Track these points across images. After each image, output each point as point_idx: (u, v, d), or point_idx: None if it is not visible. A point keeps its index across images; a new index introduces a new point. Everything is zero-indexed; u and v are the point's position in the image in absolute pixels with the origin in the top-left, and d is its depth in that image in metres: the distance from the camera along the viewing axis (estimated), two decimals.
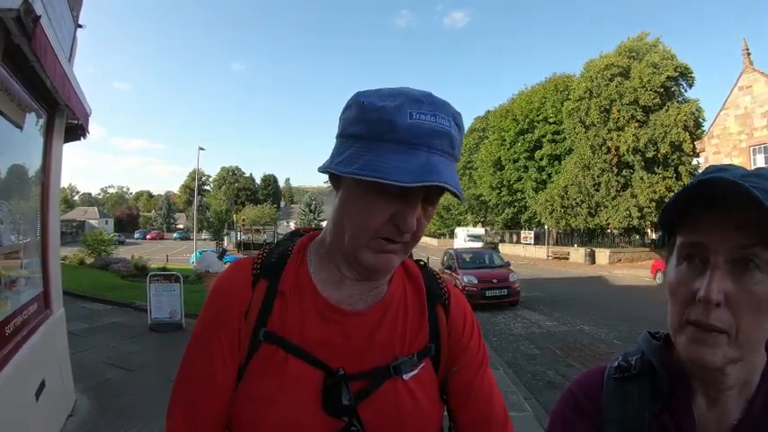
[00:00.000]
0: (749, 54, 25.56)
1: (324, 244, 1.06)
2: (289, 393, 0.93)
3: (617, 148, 33.88)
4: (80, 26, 5.49)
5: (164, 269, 17.98)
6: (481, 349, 1.13)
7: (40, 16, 2.84)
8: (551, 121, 44.48)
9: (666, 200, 0.78)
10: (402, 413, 0.97)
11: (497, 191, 50.04)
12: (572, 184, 37.38)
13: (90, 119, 5.25)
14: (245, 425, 0.95)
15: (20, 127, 3.91)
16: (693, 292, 0.76)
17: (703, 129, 31.56)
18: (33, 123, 4.32)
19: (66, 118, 4.93)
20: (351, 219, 0.93)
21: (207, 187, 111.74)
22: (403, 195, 0.87)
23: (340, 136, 0.94)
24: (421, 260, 1.20)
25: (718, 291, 0.73)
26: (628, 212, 33.49)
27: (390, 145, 0.85)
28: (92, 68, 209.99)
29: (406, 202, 0.88)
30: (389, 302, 1.05)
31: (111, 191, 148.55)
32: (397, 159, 0.83)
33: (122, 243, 54.73)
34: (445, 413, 1.09)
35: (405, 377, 0.99)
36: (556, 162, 44.16)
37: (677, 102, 33.68)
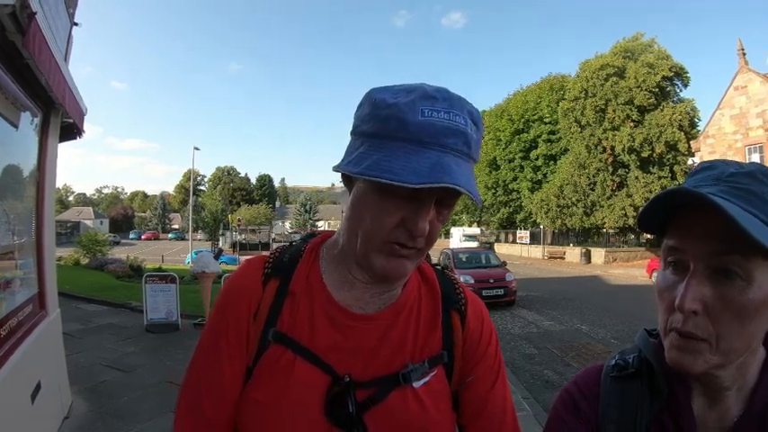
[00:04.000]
0: (744, 54, 25.71)
1: (336, 245, 1.02)
2: (293, 398, 0.90)
3: (612, 148, 33.96)
4: (76, 24, 5.44)
5: (159, 269, 17.93)
6: (498, 359, 1.09)
7: (35, 12, 2.80)
8: (547, 120, 44.55)
9: None
10: (410, 423, 0.93)
11: (493, 190, 50.10)
12: (567, 184, 37.47)
13: (85, 118, 5.21)
14: (249, 427, 0.93)
15: (15, 126, 3.86)
16: (675, 298, 0.75)
17: (698, 129, 31.73)
18: (28, 122, 4.27)
19: (61, 117, 4.88)
20: (362, 221, 0.89)
21: (202, 187, 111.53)
22: (415, 198, 0.83)
23: (353, 134, 0.91)
24: (438, 264, 1.16)
25: (694, 299, 0.72)
26: (623, 212, 33.58)
27: (401, 144, 0.81)
28: (90, 68, 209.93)
29: (418, 204, 0.84)
30: (402, 307, 1.01)
31: (105, 191, 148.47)
32: (406, 159, 0.79)
33: (117, 243, 54.68)
34: None
35: (414, 385, 0.95)
36: (551, 162, 44.25)
37: (672, 102, 33.81)
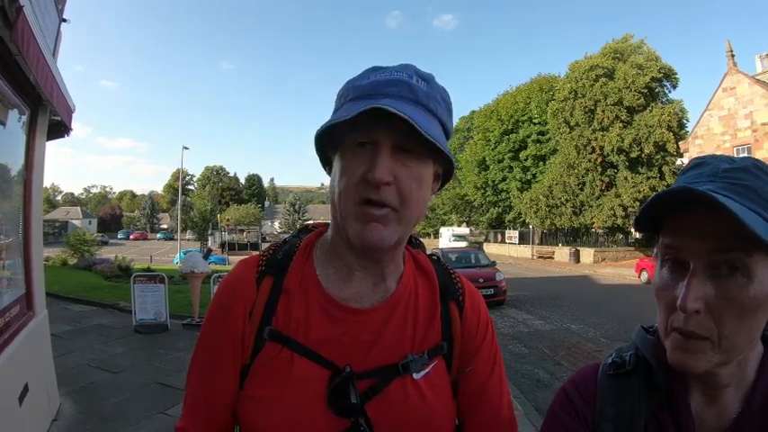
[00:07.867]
0: (733, 56, 26.00)
1: (329, 238, 1.03)
2: (294, 393, 0.91)
3: (601, 148, 34.15)
4: (64, 20, 5.36)
5: (148, 269, 17.79)
6: (495, 348, 1.10)
7: (23, 6, 2.75)
8: (536, 121, 44.69)
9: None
10: (411, 413, 0.93)
11: (482, 191, 50.23)
12: (557, 184, 37.61)
13: (74, 116, 5.14)
14: (252, 425, 0.92)
15: (2, 123, 3.81)
16: (675, 297, 0.74)
17: (687, 129, 32.04)
18: (16, 120, 4.21)
19: (49, 114, 4.82)
20: (335, 188, 0.92)
21: (191, 187, 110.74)
22: (372, 146, 0.87)
23: None
24: (435, 254, 1.16)
25: (696, 299, 0.71)
26: (612, 212, 33.78)
27: (349, 103, 0.89)
28: (80, 66, 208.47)
29: (374, 153, 0.87)
30: (399, 299, 1.01)
31: (94, 191, 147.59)
32: (348, 108, 0.86)
33: (106, 243, 54.17)
34: None
35: (415, 376, 0.95)
36: (540, 162, 44.39)
37: (661, 102, 34.08)
